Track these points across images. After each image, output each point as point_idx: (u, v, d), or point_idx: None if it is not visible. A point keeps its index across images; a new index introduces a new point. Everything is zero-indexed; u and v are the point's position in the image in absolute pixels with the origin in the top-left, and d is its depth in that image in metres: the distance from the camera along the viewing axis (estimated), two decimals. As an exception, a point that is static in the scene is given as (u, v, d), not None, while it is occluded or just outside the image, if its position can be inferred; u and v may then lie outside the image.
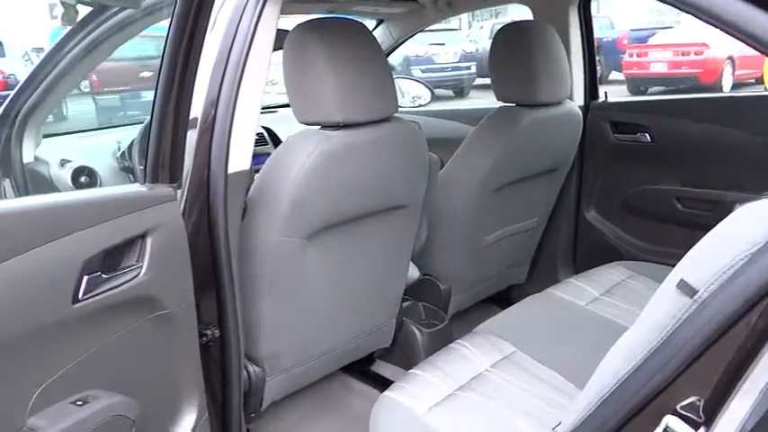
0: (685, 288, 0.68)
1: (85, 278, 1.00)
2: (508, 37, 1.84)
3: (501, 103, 1.90)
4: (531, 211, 2.14)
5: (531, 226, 2.17)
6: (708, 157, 1.97)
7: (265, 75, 1.25)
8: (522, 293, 2.34)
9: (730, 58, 10.26)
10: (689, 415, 0.65)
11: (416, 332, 1.90)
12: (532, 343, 1.48)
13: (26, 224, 0.94)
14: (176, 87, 1.16)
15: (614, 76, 11.98)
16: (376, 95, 1.40)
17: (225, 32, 1.19)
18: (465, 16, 14.99)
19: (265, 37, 1.21)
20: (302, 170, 1.32)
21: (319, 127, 1.39)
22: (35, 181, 2.04)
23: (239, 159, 1.23)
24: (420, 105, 3.00)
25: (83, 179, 1.91)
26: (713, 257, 0.68)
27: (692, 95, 2.34)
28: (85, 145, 2.15)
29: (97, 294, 1.02)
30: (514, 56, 1.81)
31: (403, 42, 2.59)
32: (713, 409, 0.62)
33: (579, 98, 2.18)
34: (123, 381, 1.12)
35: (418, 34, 2.75)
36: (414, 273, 2.07)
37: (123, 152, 2.01)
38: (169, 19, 1.16)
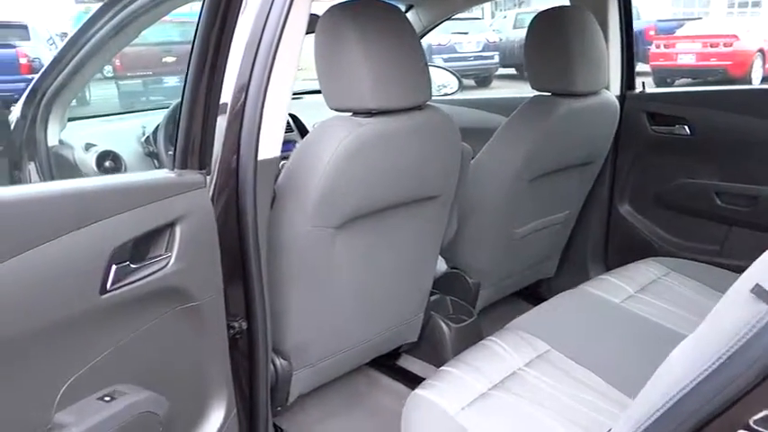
0: (762, 294, 0.63)
1: (114, 268, 0.96)
2: (545, 23, 1.77)
3: (525, 93, 1.84)
4: (563, 204, 2.08)
5: (563, 219, 2.11)
6: (749, 150, 1.89)
7: (297, 59, 1.20)
8: (550, 288, 2.29)
9: (761, 50, 10.04)
10: (765, 431, 0.60)
11: (444, 327, 1.86)
12: (567, 341, 1.43)
13: (53, 210, 0.91)
14: (208, 71, 1.11)
15: (640, 67, 11.79)
16: (410, 82, 1.36)
17: (257, 15, 1.14)
18: (488, 5, 14.83)
19: (299, 20, 1.17)
20: (333, 158, 1.28)
21: (351, 114, 1.34)
22: (60, 164, 2.02)
23: (269, 146, 1.19)
24: (446, 94, 2.94)
25: (107, 164, 1.89)
26: None
27: (734, 87, 2.26)
28: (110, 129, 2.13)
29: (126, 285, 0.98)
30: (551, 43, 1.74)
31: (433, 28, 2.54)
32: None
33: (615, 88, 2.11)
34: (151, 375, 1.08)
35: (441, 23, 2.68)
36: (441, 266, 2.02)
37: (148, 137, 1.98)
38: (201, 0, 1.12)
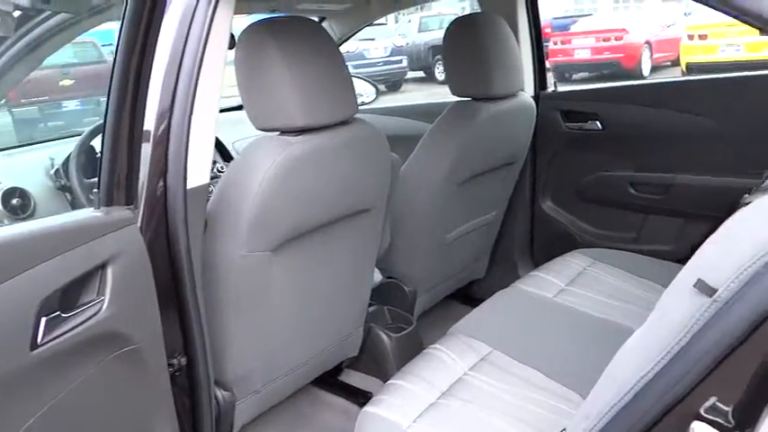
0: (704, 288, 0.66)
1: (43, 320, 0.89)
2: (460, 30, 1.80)
3: (443, 99, 1.87)
4: (490, 206, 2.13)
5: (491, 220, 2.16)
6: (658, 141, 2.00)
7: (221, 80, 1.16)
8: (482, 288, 2.33)
9: (648, 42, 10.69)
10: (717, 420, 0.63)
11: (384, 338, 1.85)
12: (507, 341, 1.46)
13: None
14: (130, 98, 1.05)
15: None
16: (337, 97, 1.34)
17: (176, 35, 1.09)
18: (391, 10, 15.00)
19: (220, 39, 1.13)
20: (265, 180, 1.24)
21: (278, 133, 1.31)
22: None
23: (198, 173, 1.14)
24: (364, 103, 2.95)
25: (14, 201, 1.74)
26: (732, 256, 0.66)
27: (640, 81, 2.39)
28: (13, 163, 1.97)
29: (58, 337, 0.91)
30: (467, 49, 1.78)
31: (347, 40, 2.53)
32: (746, 414, 0.59)
33: (529, 89, 2.17)
34: (92, 427, 1.01)
35: None
36: (377, 276, 2.01)
37: (58, 169, 1.85)
38: (120, 21, 1.06)
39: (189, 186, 1.12)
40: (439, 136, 1.82)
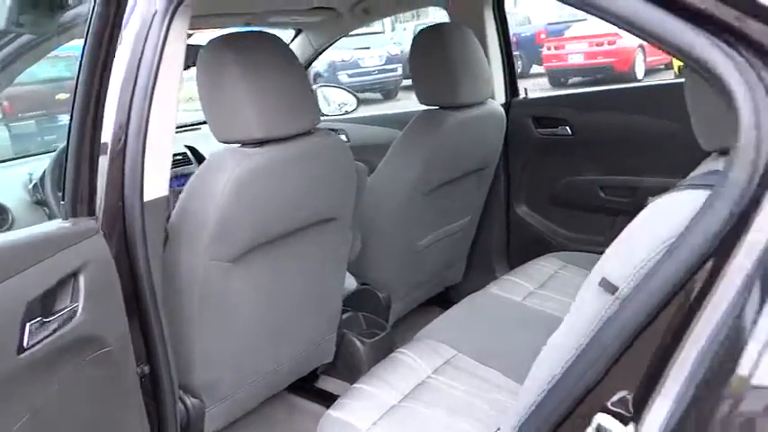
0: (607, 286, 0.69)
1: (28, 325, 0.95)
2: (425, 41, 1.84)
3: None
4: (463, 212, 2.16)
5: (464, 226, 2.18)
6: (625, 145, 2.03)
7: (177, 94, 1.20)
8: (460, 293, 2.35)
9: (641, 46, 10.72)
10: (619, 411, 0.66)
11: (358, 343, 1.88)
12: (473, 344, 1.49)
13: None
14: (92, 112, 1.10)
15: (536, 69, 12.32)
16: (296, 109, 1.37)
17: (132, 50, 1.13)
18: (388, 19, 15.09)
19: (175, 54, 1.17)
20: (224, 191, 1.27)
21: (239, 145, 1.35)
22: None
23: (155, 185, 1.17)
24: (347, 112, 2.99)
25: None
26: (631, 254, 0.69)
27: (606, 87, 2.42)
28: None
29: (41, 340, 0.97)
30: (433, 59, 1.81)
31: (324, 50, 2.57)
32: (640, 402, 0.63)
33: (500, 96, 2.21)
34: (73, 428, 1.06)
35: (342, 39, 2.73)
36: (351, 283, 2.04)
37: (36, 184, 1.90)
38: (83, 38, 1.10)
39: (146, 199, 1.16)
40: (406, 144, 1.86)
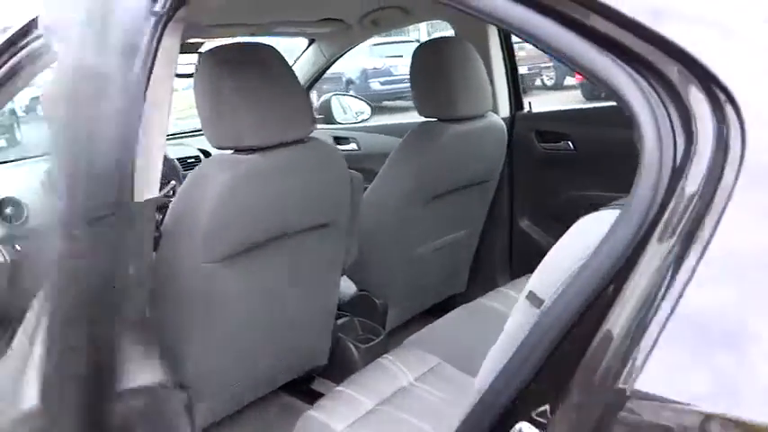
0: (534, 300, 0.72)
1: None
2: (426, 54, 1.88)
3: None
4: (464, 223, 2.18)
5: (464, 237, 2.20)
6: (627, 161, 2.01)
7: (169, 104, 1.25)
8: (462, 303, 2.37)
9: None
10: (539, 420, 0.68)
11: (352, 348, 1.92)
12: (457, 354, 1.51)
13: None
14: None
15: (568, 81, 12.20)
16: (288, 118, 1.43)
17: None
18: (423, 27, 15.12)
19: (167, 65, 1.22)
20: (216, 195, 1.33)
21: (232, 151, 1.41)
22: None
23: (145, 189, 1.23)
24: (363, 120, 3.07)
25: (8, 210, 1.90)
26: (556, 268, 0.72)
27: (609, 103, 2.42)
28: (11, 175, 2.13)
29: None
30: (432, 72, 1.85)
31: (336, 60, 2.63)
32: (552, 411, 0.65)
33: (505, 110, 2.23)
34: None
35: (375, 48, 2.80)
36: (350, 288, 2.09)
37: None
38: None
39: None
40: (403, 155, 1.89)
